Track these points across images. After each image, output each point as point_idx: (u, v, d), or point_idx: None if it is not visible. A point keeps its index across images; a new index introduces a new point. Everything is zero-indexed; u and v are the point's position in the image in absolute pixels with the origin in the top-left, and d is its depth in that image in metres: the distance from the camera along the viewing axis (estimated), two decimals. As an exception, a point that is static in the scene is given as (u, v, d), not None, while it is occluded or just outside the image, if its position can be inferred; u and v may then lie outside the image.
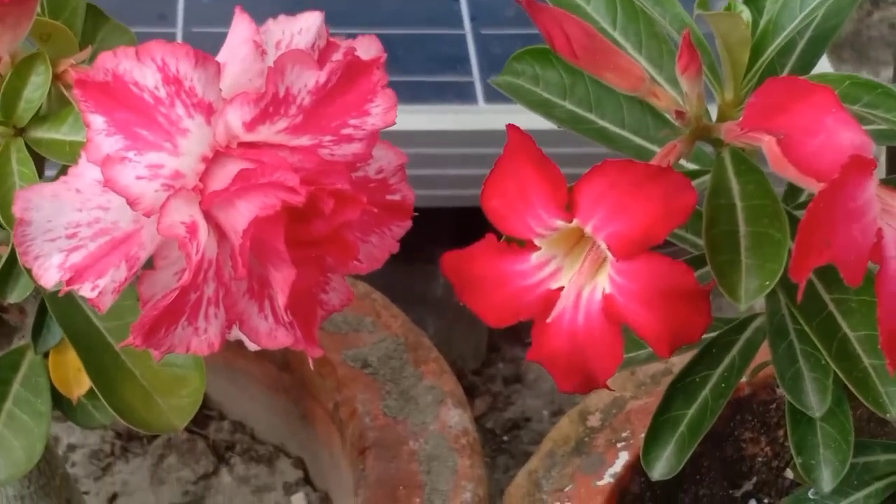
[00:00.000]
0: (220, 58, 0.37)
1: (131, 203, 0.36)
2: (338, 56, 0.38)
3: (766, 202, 0.43)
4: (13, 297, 0.49)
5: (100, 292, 0.38)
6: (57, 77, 0.44)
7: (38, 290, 0.50)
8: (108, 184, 0.36)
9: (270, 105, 0.36)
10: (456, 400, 0.73)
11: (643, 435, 0.53)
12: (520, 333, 0.98)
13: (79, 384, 0.56)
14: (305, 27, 0.38)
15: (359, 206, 0.37)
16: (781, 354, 0.50)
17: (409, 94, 0.88)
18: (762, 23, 0.45)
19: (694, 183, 0.40)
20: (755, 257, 0.42)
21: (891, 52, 1.20)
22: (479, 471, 0.70)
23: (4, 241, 0.48)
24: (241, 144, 0.37)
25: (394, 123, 0.38)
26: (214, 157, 0.37)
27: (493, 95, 0.89)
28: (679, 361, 0.66)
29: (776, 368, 0.50)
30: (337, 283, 0.41)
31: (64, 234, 0.37)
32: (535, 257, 0.41)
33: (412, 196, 0.41)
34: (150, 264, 0.38)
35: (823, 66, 0.86)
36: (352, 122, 0.38)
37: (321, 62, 0.37)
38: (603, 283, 0.40)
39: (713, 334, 0.54)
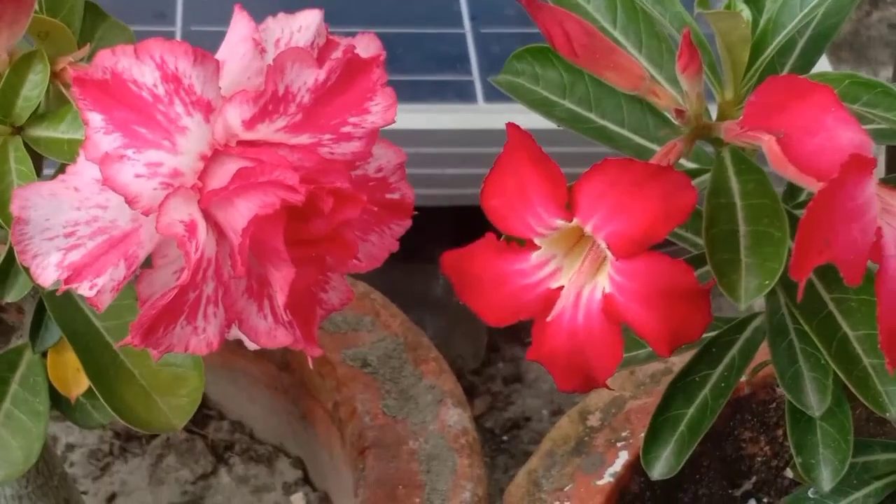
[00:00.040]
0: (219, 56, 0.37)
1: (130, 201, 0.36)
2: (337, 54, 0.38)
3: (766, 201, 0.43)
4: (11, 296, 0.49)
5: (98, 291, 0.37)
6: (55, 75, 0.44)
7: (37, 289, 0.50)
8: (107, 182, 0.36)
9: (270, 103, 0.36)
10: (455, 399, 0.73)
11: (643, 434, 0.53)
12: (519, 333, 0.98)
13: (77, 384, 0.56)
14: (305, 25, 0.38)
15: (358, 204, 0.37)
16: (781, 354, 0.50)
17: (409, 93, 0.87)
18: (762, 21, 0.45)
19: (694, 182, 0.40)
20: (755, 256, 0.42)
21: (889, 52, 1.20)
22: (479, 470, 0.70)
23: (2, 239, 0.48)
24: (241, 143, 0.37)
25: (393, 122, 0.38)
26: (213, 156, 0.37)
27: (492, 94, 0.89)
28: (678, 361, 0.66)
29: (776, 368, 0.50)
30: (336, 282, 0.41)
31: (62, 233, 0.37)
32: (534, 256, 0.41)
33: (412, 194, 0.41)
34: (148, 263, 0.38)
35: (823, 65, 0.86)
36: (351, 120, 0.38)
37: (321, 60, 0.37)
38: (603, 282, 0.40)
39: (713, 334, 0.54)
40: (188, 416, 0.53)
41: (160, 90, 0.36)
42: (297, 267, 0.37)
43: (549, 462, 0.69)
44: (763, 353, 0.53)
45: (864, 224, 0.36)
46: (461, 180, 0.88)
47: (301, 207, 0.36)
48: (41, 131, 0.45)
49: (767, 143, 0.39)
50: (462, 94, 0.89)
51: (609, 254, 0.40)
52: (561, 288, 0.41)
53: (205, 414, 0.88)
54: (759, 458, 0.72)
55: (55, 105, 0.46)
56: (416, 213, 0.41)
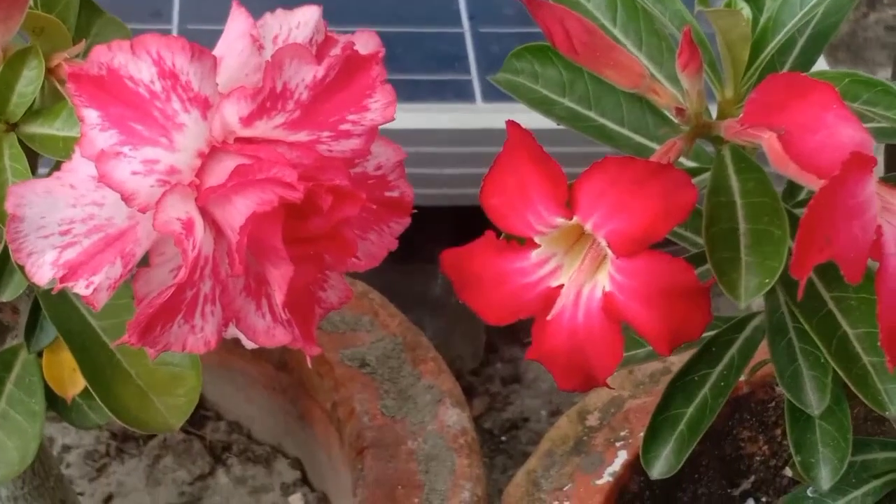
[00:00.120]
0: (216, 52, 0.37)
1: (126, 199, 0.36)
2: (336, 51, 0.37)
3: (766, 200, 0.42)
4: (6, 296, 0.48)
5: (94, 290, 0.37)
6: (50, 71, 0.44)
7: (32, 287, 0.50)
8: (103, 179, 0.36)
9: (268, 100, 0.36)
10: (454, 399, 0.73)
11: (642, 434, 0.53)
12: (518, 333, 0.98)
13: (73, 384, 0.56)
14: (303, 21, 0.38)
15: (357, 202, 0.37)
16: (780, 352, 0.50)
17: (408, 92, 0.87)
18: (762, 20, 0.45)
19: (694, 181, 0.39)
20: (755, 255, 0.41)
21: (886, 53, 1.20)
22: (478, 470, 0.70)
23: (-2, 238, 0.48)
24: (238, 140, 0.37)
25: (393, 119, 0.38)
26: (211, 153, 0.37)
27: (491, 94, 0.89)
28: (677, 360, 0.66)
29: (775, 366, 0.50)
30: (335, 281, 0.41)
31: (57, 231, 0.37)
32: (534, 255, 0.41)
33: (411, 193, 0.41)
34: (145, 261, 0.38)
35: (820, 66, 0.86)
36: (350, 117, 0.37)
37: (319, 57, 0.37)
38: (603, 280, 0.40)
39: (712, 333, 0.54)
40: (185, 416, 0.53)
41: (157, 86, 0.35)
42: (296, 265, 0.37)
43: (548, 462, 0.69)
44: (762, 352, 0.53)
45: (864, 222, 0.36)
46: (460, 180, 0.88)
47: (299, 205, 0.36)
48: (36, 128, 0.45)
49: (768, 141, 0.38)
50: (461, 93, 0.89)
51: (609, 252, 0.39)
52: (561, 286, 0.41)
53: (202, 414, 0.88)
54: (757, 458, 0.72)
55: (50, 102, 0.45)
56: (415, 212, 0.41)
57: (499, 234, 0.42)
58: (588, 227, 0.39)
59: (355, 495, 0.69)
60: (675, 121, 0.45)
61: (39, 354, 0.56)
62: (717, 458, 0.71)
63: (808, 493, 0.57)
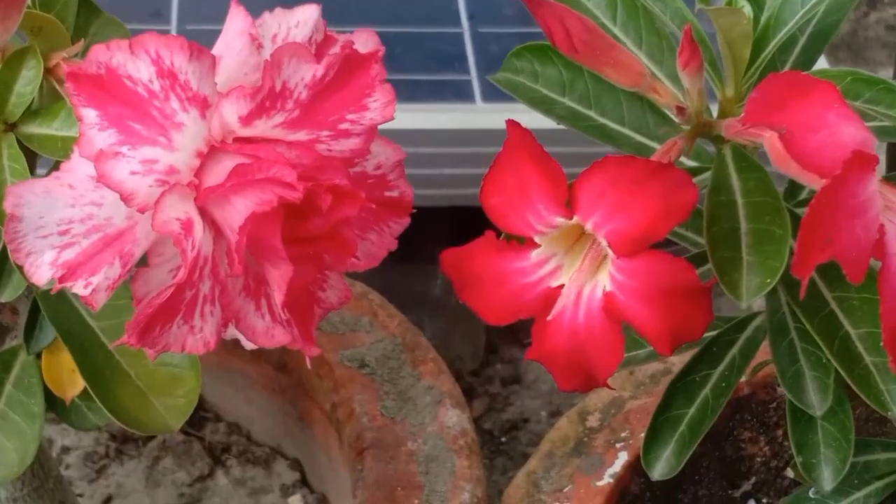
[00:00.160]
0: (215, 51, 0.37)
1: (125, 199, 0.36)
2: (335, 50, 0.37)
3: (767, 199, 0.42)
4: (5, 296, 0.48)
5: (93, 290, 0.37)
6: (48, 71, 0.44)
7: (31, 288, 0.50)
8: (102, 179, 0.36)
9: (267, 99, 0.36)
10: (454, 400, 0.73)
11: (642, 435, 0.53)
12: (518, 334, 0.97)
13: (72, 385, 0.56)
14: (303, 20, 0.38)
15: (357, 202, 0.37)
16: (782, 353, 0.50)
17: (407, 92, 0.87)
18: (763, 18, 0.45)
19: (695, 180, 0.39)
20: (756, 254, 0.41)
21: (887, 53, 1.20)
22: (478, 472, 0.70)
23: (-4, 238, 0.48)
24: (237, 139, 0.37)
25: (392, 118, 0.38)
26: (210, 153, 0.37)
27: (490, 94, 0.88)
28: (678, 361, 0.66)
29: (777, 367, 0.50)
30: (335, 281, 0.40)
31: (56, 231, 0.37)
32: (535, 255, 0.41)
33: (411, 193, 0.41)
34: (144, 261, 0.38)
35: (821, 65, 0.86)
36: (350, 116, 0.37)
37: (318, 56, 0.36)
38: (604, 280, 0.40)
39: (713, 333, 0.54)
40: (185, 417, 0.52)
41: (156, 86, 0.35)
42: (295, 265, 0.37)
43: (549, 463, 0.69)
44: (763, 352, 0.52)
45: (866, 221, 0.36)
46: (459, 180, 0.87)
47: (299, 205, 0.36)
48: (35, 128, 0.45)
49: (769, 140, 0.38)
50: (460, 93, 0.89)
51: (610, 252, 0.39)
52: (561, 286, 0.41)
53: (201, 416, 0.88)
54: (758, 459, 0.72)
55: (49, 102, 0.45)
56: (415, 212, 0.41)
57: (499, 233, 0.42)
58: (588, 226, 0.39)
59: (355, 496, 0.68)
60: (676, 120, 0.44)
61: (38, 355, 0.56)
62: (718, 459, 0.71)
63: (810, 494, 0.57)
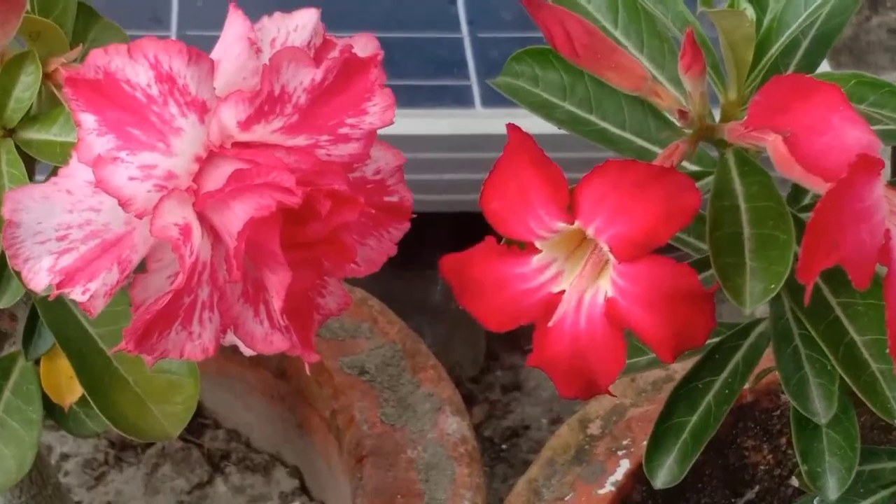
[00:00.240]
0: (214, 55, 0.36)
1: (123, 204, 0.36)
2: (334, 54, 0.37)
3: (770, 204, 0.42)
4: (3, 302, 0.48)
5: (91, 296, 0.37)
6: (47, 76, 0.43)
7: (29, 294, 0.50)
8: (100, 184, 0.35)
9: (266, 104, 0.36)
10: (454, 407, 0.73)
11: (644, 442, 0.52)
12: (518, 341, 0.97)
13: (71, 391, 0.55)
14: (301, 24, 0.37)
15: (356, 207, 0.36)
16: (786, 360, 0.49)
17: (406, 97, 0.87)
18: (766, 21, 0.45)
19: (697, 185, 0.39)
20: (760, 260, 0.41)
21: (889, 56, 1.20)
22: (478, 479, 0.69)
23: (-6, 244, 0.47)
24: (236, 144, 0.36)
25: (392, 122, 0.37)
26: (208, 158, 0.36)
27: (490, 99, 0.88)
28: (680, 368, 0.65)
29: (781, 374, 0.50)
30: (334, 287, 0.40)
31: (54, 237, 0.37)
32: (535, 260, 0.41)
33: (410, 198, 0.41)
34: (142, 267, 0.38)
35: (823, 69, 0.86)
36: (349, 121, 0.37)
37: (317, 60, 0.36)
38: (605, 286, 0.40)
39: (716, 340, 0.53)
40: (183, 424, 0.52)
41: (154, 90, 0.35)
42: (294, 271, 0.36)
43: (550, 471, 0.68)
44: (767, 359, 0.52)
45: (872, 225, 0.35)
46: (459, 186, 0.87)
47: (298, 210, 0.36)
48: (33, 134, 0.45)
49: (773, 144, 0.38)
50: (460, 98, 0.89)
51: (611, 257, 0.39)
52: (562, 292, 0.40)
53: (200, 422, 0.87)
54: (762, 467, 0.71)
55: (47, 107, 0.45)
56: (414, 217, 0.41)
57: (499, 239, 0.41)
58: (590, 231, 0.39)
59: (355, 504, 0.68)
60: (678, 124, 0.44)
61: (37, 362, 0.55)
62: (721, 467, 0.71)
63: (815, 503, 0.57)
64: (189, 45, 0.35)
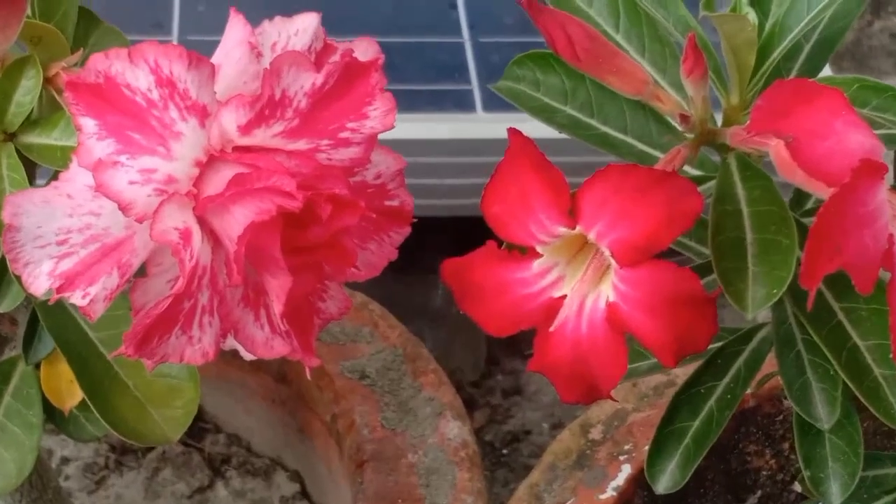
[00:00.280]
0: (214, 60, 0.36)
1: (123, 208, 0.36)
2: (335, 58, 0.37)
3: (773, 208, 0.42)
4: (4, 307, 0.48)
5: (91, 300, 0.37)
6: (48, 81, 0.43)
7: (30, 299, 0.49)
8: (100, 189, 0.35)
9: (266, 108, 0.36)
10: (455, 412, 0.72)
11: (646, 447, 0.52)
12: (519, 345, 0.97)
13: (71, 395, 0.55)
14: (302, 28, 0.37)
15: (357, 211, 0.36)
16: (789, 365, 0.49)
17: (407, 102, 0.87)
18: (768, 25, 0.45)
19: (699, 189, 0.39)
20: (763, 265, 0.41)
21: (892, 61, 1.20)
22: (479, 484, 0.69)
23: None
24: (237, 148, 0.36)
25: (393, 127, 0.37)
26: (209, 162, 0.36)
27: (491, 104, 0.88)
28: (682, 373, 0.65)
29: (783, 379, 0.49)
30: (334, 291, 0.40)
31: (54, 241, 0.37)
32: (536, 265, 0.40)
33: (411, 202, 0.40)
34: (142, 272, 0.38)
35: (825, 73, 0.85)
36: (350, 125, 0.37)
37: (318, 64, 0.36)
38: (607, 291, 0.40)
39: (718, 344, 0.53)
40: (183, 429, 0.52)
41: (154, 94, 0.35)
42: (295, 275, 0.36)
43: (551, 476, 0.68)
44: (769, 364, 0.52)
45: (875, 230, 0.35)
46: (460, 190, 0.87)
47: (298, 214, 0.35)
48: (34, 138, 0.44)
49: (775, 148, 0.38)
50: (461, 103, 0.89)
51: (613, 262, 0.39)
52: (564, 297, 0.40)
53: (201, 427, 0.87)
54: (764, 472, 0.71)
55: (48, 111, 0.45)
56: (415, 222, 0.41)
57: (500, 243, 0.41)
58: (591, 236, 0.39)
59: (356, 509, 0.68)
60: (680, 128, 0.44)
61: (37, 366, 0.55)
62: (723, 472, 0.70)
63: (817, 508, 0.56)
64: (189, 50, 0.35)
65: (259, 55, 0.37)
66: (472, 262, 0.41)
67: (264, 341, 0.39)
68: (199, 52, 0.36)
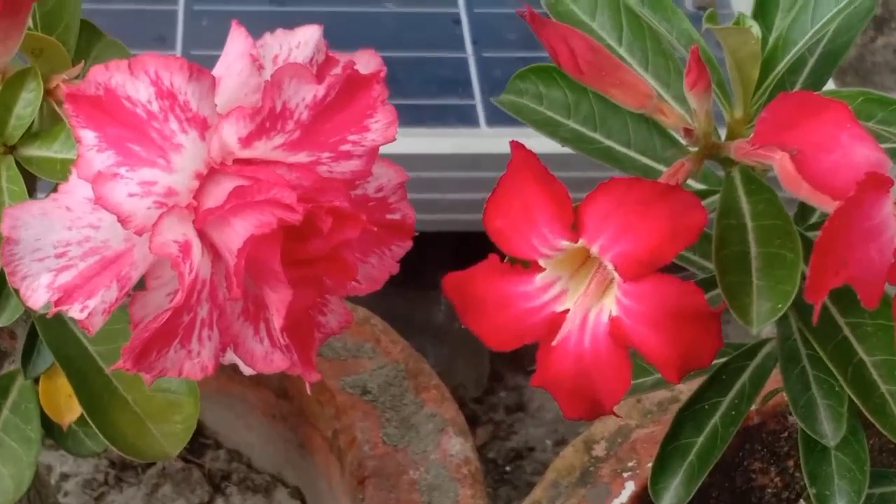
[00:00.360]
0: (215, 72, 0.36)
1: (123, 221, 0.35)
2: (337, 70, 0.37)
3: (777, 222, 0.42)
4: (2, 320, 0.48)
5: (89, 313, 0.36)
6: (49, 93, 0.43)
7: (29, 312, 0.49)
8: (99, 201, 0.35)
9: (267, 120, 0.36)
10: (457, 428, 0.72)
11: (650, 464, 0.52)
12: (522, 361, 0.96)
13: (70, 410, 0.55)
14: (304, 41, 0.37)
15: (358, 224, 0.36)
16: (794, 381, 0.49)
17: (411, 117, 0.87)
18: (772, 39, 0.45)
19: (703, 203, 0.39)
20: (767, 279, 0.40)
21: (895, 77, 1.20)
22: (481, 501, 0.68)
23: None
24: (237, 161, 0.36)
25: (394, 139, 0.37)
26: (209, 174, 0.36)
27: (494, 118, 0.88)
28: (686, 389, 0.65)
29: (788, 395, 0.49)
30: (335, 305, 0.40)
31: (53, 254, 0.36)
32: (539, 279, 0.40)
33: (413, 215, 0.40)
34: (141, 285, 0.37)
35: (829, 88, 0.85)
36: (351, 137, 0.37)
37: (320, 76, 0.36)
38: (610, 305, 0.39)
39: (722, 360, 0.53)
40: (183, 444, 0.51)
41: (155, 106, 0.35)
42: (295, 289, 0.36)
43: (554, 493, 0.68)
44: (774, 380, 0.51)
45: (881, 244, 0.35)
46: (463, 205, 0.87)
47: (299, 227, 0.35)
48: (34, 150, 0.44)
49: (780, 161, 0.38)
50: (464, 118, 0.89)
51: (616, 275, 0.38)
52: (566, 311, 0.40)
53: (201, 442, 0.87)
54: (769, 490, 0.70)
55: (48, 124, 0.45)
56: (417, 236, 0.40)
57: (502, 257, 0.41)
58: (594, 249, 0.38)
59: (356, 526, 0.67)
60: (683, 142, 0.44)
61: (36, 381, 0.55)
62: (728, 489, 0.70)
63: (824, 526, 0.56)
64: (190, 62, 0.35)
65: (260, 67, 0.37)
66: (474, 276, 0.41)
67: (264, 355, 0.39)
68: (203, 66, 0.35)
